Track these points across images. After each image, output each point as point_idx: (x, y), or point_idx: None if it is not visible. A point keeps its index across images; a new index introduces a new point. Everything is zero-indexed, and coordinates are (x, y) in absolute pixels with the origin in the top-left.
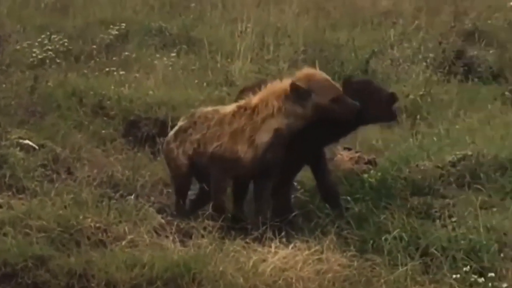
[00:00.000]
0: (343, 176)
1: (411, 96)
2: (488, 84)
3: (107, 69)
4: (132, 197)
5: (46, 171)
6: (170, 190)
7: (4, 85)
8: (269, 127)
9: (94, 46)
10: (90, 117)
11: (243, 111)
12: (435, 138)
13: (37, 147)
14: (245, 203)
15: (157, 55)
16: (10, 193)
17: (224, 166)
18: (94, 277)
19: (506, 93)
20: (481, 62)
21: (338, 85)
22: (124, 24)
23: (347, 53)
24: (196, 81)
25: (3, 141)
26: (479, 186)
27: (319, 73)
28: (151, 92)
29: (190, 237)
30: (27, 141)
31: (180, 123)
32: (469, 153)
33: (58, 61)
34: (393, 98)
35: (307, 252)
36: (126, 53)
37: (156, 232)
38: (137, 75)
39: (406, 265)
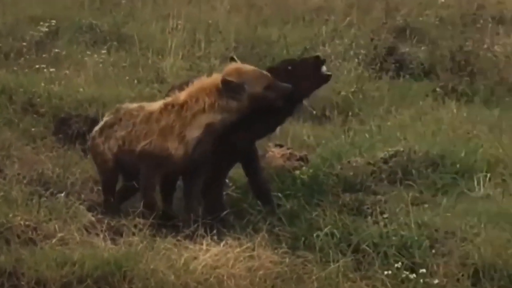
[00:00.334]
0: (274, 173)
1: (342, 93)
2: (419, 80)
3: (37, 66)
4: (63, 194)
5: None
6: (100, 188)
7: None
8: (200, 122)
9: (24, 43)
10: (20, 115)
11: (171, 108)
12: (367, 135)
13: None
14: (175, 200)
15: (88, 52)
16: None
17: (154, 164)
18: (24, 275)
19: (437, 89)
20: (413, 58)
21: (266, 72)
22: (54, 21)
23: (278, 49)
24: (127, 78)
25: None
26: (410, 183)
27: (246, 65)
28: (81, 89)
29: (121, 235)
30: None
31: (105, 118)
32: (401, 149)
33: None
34: (318, 60)
35: (238, 249)
36: (56, 50)
37: (86, 230)
38: (68, 72)
39: (337, 261)
